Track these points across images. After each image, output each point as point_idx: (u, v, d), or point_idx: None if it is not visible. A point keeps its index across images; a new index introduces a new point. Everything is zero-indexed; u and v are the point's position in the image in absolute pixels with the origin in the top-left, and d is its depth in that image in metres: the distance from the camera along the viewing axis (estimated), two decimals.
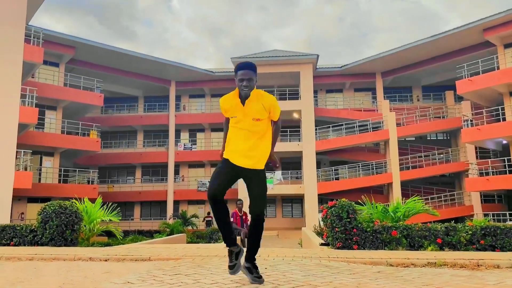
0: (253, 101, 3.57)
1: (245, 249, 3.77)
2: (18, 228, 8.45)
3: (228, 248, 3.69)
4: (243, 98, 3.57)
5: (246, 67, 3.56)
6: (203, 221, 27.66)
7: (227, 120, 3.78)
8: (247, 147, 3.58)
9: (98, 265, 5.29)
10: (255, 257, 3.74)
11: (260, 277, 3.57)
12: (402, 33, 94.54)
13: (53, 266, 5.29)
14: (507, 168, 22.37)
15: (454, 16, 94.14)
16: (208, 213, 28.87)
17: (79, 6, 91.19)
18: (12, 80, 18.07)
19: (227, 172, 3.61)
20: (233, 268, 3.65)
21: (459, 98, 28.24)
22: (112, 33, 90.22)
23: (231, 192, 29.72)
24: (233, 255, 3.66)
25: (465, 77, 23.20)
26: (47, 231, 8.09)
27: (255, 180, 3.62)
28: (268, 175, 27.15)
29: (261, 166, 3.64)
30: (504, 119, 22.44)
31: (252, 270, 3.62)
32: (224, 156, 3.66)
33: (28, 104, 20.31)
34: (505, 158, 22.81)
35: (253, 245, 3.72)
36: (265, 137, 3.67)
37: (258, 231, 3.71)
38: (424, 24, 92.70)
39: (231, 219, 10.94)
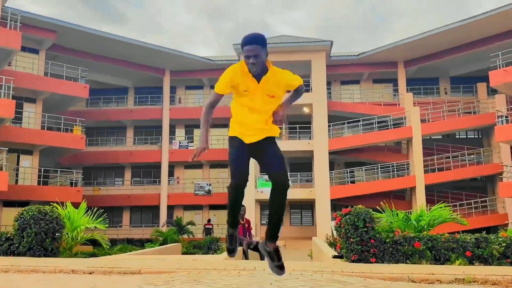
0: (269, 77, 3.61)
1: (256, 240, 3.89)
2: None
3: (230, 231, 3.96)
4: (255, 76, 3.59)
5: (252, 40, 3.52)
6: (202, 232, 27.64)
7: (218, 97, 3.73)
8: (258, 125, 3.67)
9: (81, 279, 5.31)
10: (278, 235, 3.75)
11: (283, 267, 3.60)
12: (428, 17, 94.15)
13: (31, 279, 5.32)
14: None
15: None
16: (209, 220, 28.91)
17: None
18: None
19: (243, 153, 3.68)
20: (233, 252, 3.93)
21: (492, 91, 28.06)
22: (98, 16, 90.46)
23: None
24: (234, 239, 3.92)
25: (499, 67, 23.04)
26: (25, 240, 8.14)
27: (270, 146, 3.71)
28: None
29: (275, 133, 3.75)
30: None
31: (274, 256, 3.63)
32: (233, 134, 3.71)
33: (3, 95, 20.43)
34: None
35: (275, 220, 3.68)
36: (271, 108, 3.73)
37: (281, 201, 3.65)
38: (453, 6, 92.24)
39: None
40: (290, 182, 3.70)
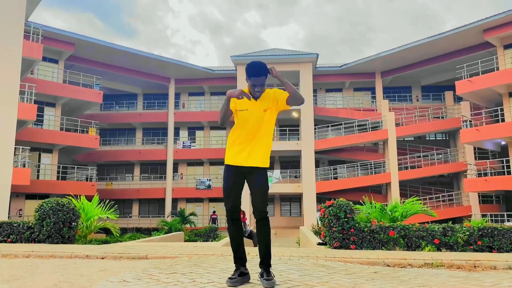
0: (267, 94, 3.71)
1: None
2: (15, 225, 8.43)
3: (236, 265, 3.68)
4: (256, 98, 3.68)
5: (258, 73, 3.55)
6: (209, 221, 27.53)
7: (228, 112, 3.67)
8: (251, 145, 3.62)
9: (94, 263, 5.28)
10: (270, 262, 3.62)
11: (271, 283, 3.44)
12: (402, 33, 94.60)
13: (49, 263, 5.28)
14: (505, 169, 22.39)
15: (452, 17, 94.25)
16: (214, 211, 28.80)
17: (79, 3, 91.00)
18: (11, 76, 18.04)
19: (235, 181, 3.65)
20: (232, 281, 3.52)
21: (458, 99, 28.27)
22: (112, 30, 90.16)
23: None
24: (238, 271, 3.62)
25: (464, 78, 23.21)
26: (44, 228, 8.07)
27: (258, 177, 3.65)
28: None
29: (265, 164, 3.68)
30: (503, 120, 22.45)
31: (264, 274, 3.52)
32: (226, 162, 3.68)
33: (27, 100, 20.27)
34: (504, 159, 22.83)
35: (267, 248, 3.64)
36: (268, 131, 3.70)
37: (267, 233, 3.69)
38: (424, 24, 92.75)
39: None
40: (267, 212, 3.71)
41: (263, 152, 3.66)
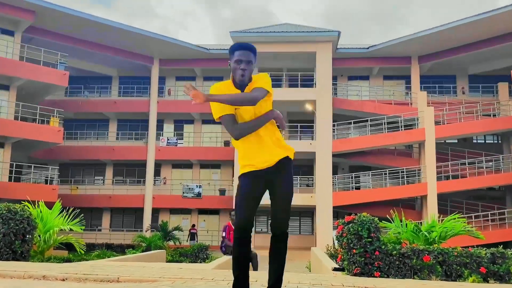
0: (252, 85, 3.56)
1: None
2: None
3: None
4: (241, 86, 3.55)
5: (244, 47, 3.55)
6: (187, 238, 27.70)
7: (228, 116, 3.58)
8: (265, 143, 3.60)
9: (53, 286, 5.29)
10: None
11: None
12: (446, 8, 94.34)
13: None
14: None
15: None
16: (193, 225, 28.89)
17: None
18: None
19: (255, 188, 3.59)
20: None
21: None
22: None
23: (224, 200, 29.81)
24: None
25: None
26: None
27: (286, 176, 3.61)
28: None
29: (290, 151, 3.66)
30: None
31: None
32: (241, 171, 3.64)
33: None
34: None
35: (280, 272, 3.68)
36: (272, 124, 3.66)
37: (283, 252, 3.69)
38: None
39: (223, 234, 10.93)
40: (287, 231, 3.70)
41: (281, 142, 3.64)
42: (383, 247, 7.34)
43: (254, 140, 3.59)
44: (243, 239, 3.53)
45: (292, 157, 3.66)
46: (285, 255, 3.70)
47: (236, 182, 3.55)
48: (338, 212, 27.86)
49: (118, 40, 29.79)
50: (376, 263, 7.23)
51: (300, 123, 29.94)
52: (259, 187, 3.59)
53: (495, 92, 30.90)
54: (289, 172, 3.61)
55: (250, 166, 3.59)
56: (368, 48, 30.34)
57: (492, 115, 29.61)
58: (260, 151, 3.59)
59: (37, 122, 25.99)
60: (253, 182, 3.58)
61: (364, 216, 7.53)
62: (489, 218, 27.11)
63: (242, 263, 3.57)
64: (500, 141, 31.24)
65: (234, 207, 3.64)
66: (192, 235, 27.53)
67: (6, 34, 25.93)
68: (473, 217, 26.31)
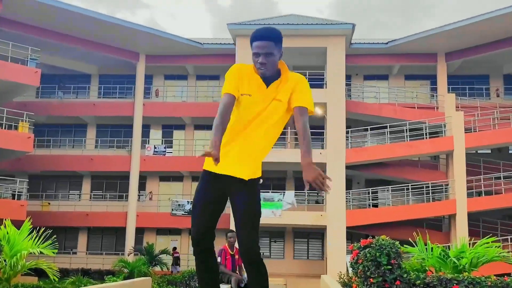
0: (281, 84, 3.58)
1: None
2: None
3: None
4: (266, 79, 3.56)
5: (264, 35, 3.52)
6: (172, 263, 27.61)
7: (229, 98, 3.49)
8: (245, 144, 3.57)
9: None
10: None
11: None
12: None
13: None
14: None
15: None
16: (174, 248, 28.78)
17: None
18: None
19: (212, 194, 3.62)
20: None
21: None
22: None
23: (220, 219, 29.67)
24: None
25: None
26: None
27: (245, 192, 3.61)
28: (275, 196, 27.17)
29: (256, 173, 3.67)
30: None
31: None
32: (205, 166, 3.65)
33: None
34: None
35: None
36: (274, 129, 3.63)
37: (261, 281, 3.62)
38: None
39: (219, 259, 10.89)
40: (260, 253, 3.62)
41: (258, 156, 3.64)
42: (405, 275, 7.33)
43: (236, 134, 3.59)
44: (204, 251, 3.62)
45: (258, 175, 3.73)
46: (266, 286, 3.63)
47: None
48: (353, 233, 27.79)
49: (99, 33, 29.86)
50: None
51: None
52: (218, 193, 3.68)
53: None
54: (251, 190, 3.67)
55: (211, 165, 3.54)
56: (387, 43, 30.39)
57: None
58: (232, 152, 3.58)
59: (3, 127, 25.99)
60: (211, 185, 3.66)
61: (383, 240, 7.52)
62: None
63: (208, 281, 3.66)
64: None
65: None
66: (175, 259, 27.45)
67: None
68: (509, 240, 26.24)
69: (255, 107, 3.54)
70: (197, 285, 17.25)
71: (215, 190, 3.62)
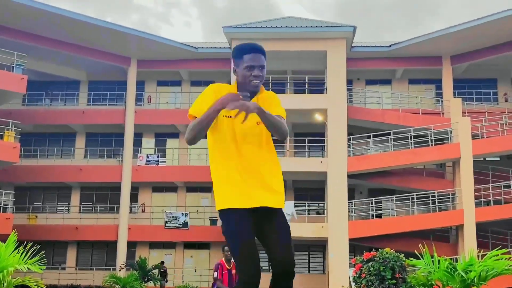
0: (263, 98, 3.61)
1: None
2: None
3: None
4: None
5: (257, 49, 3.54)
6: (158, 275, 27.49)
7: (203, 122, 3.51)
8: (259, 174, 3.55)
9: None
10: None
11: None
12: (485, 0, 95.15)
13: None
14: None
15: None
16: (162, 262, 28.62)
17: None
18: None
19: (250, 230, 3.50)
20: None
21: None
22: None
23: (216, 231, 29.63)
24: None
25: None
26: None
27: (279, 219, 3.60)
28: None
29: (283, 200, 3.65)
30: None
31: None
32: (229, 205, 3.50)
33: None
34: None
35: None
36: (272, 148, 3.67)
37: None
38: None
39: (215, 274, 10.89)
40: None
41: (278, 179, 3.63)
42: None
43: (244, 167, 3.58)
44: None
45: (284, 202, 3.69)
46: None
47: None
48: (356, 245, 27.75)
49: (88, 38, 29.89)
50: None
51: (309, 137, 29.97)
52: (251, 227, 3.59)
53: None
54: (283, 215, 3.66)
55: (240, 202, 3.53)
56: (390, 46, 30.49)
57: None
58: (253, 185, 3.57)
59: None
60: (247, 220, 3.52)
61: (387, 253, 7.54)
62: None
63: None
64: None
65: (234, 257, 3.50)
66: (162, 274, 27.38)
67: None
68: None
69: (238, 127, 3.54)
70: None
71: (250, 224, 3.51)
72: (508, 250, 11.15)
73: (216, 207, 3.56)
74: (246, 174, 3.53)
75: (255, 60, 3.49)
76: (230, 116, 3.49)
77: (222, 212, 3.49)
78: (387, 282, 7.20)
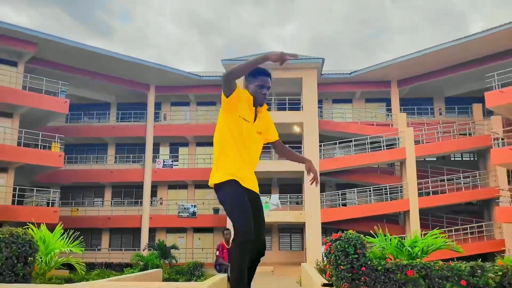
0: (262, 113, 3.79)
1: None
2: None
3: None
4: (256, 105, 3.74)
5: (268, 74, 3.78)
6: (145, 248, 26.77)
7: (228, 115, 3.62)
8: (251, 167, 3.66)
9: None
10: None
11: None
12: (422, 35, 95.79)
13: None
14: None
15: (480, 17, 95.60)
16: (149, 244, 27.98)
17: None
18: None
19: (247, 198, 3.54)
20: None
21: (488, 112, 28.45)
22: (83, 28, 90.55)
23: (218, 219, 29.60)
24: None
25: (495, 88, 23.39)
26: None
27: (261, 205, 3.71)
28: (263, 199, 27.08)
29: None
30: None
31: None
32: (232, 177, 3.54)
33: None
34: None
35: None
36: (259, 152, 3.79)
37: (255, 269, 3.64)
38: (448, 25, 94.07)
39: (217, 253, 10.85)
40: None
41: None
42: (369, 262, 7.32)
43: (247, 157, 3.62)
44: (250, 238, 3.40)
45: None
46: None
47: None
48: (327, 228, 27.77)
49: (116, 69, 29.82)
50: (362, 278, 7.19)
51: (289, 143, 29.59)
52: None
53: (470, 113, 31.18)
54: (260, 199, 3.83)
55: (243, 181, 3.57)
56: (350, 73, 30.61)
57: (467, 134, 29.83)
58: (250, 173, 3.61)
59: (39, 147, 25.81)
60: (245, 193, 3.55)
61: (350, 234, 7.52)
62: (468, 231, 27.15)
63: (244, 270, 3.46)
64: (476, 158, 31.41)
65: (232, 215, 3.47)
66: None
67: (10, 65, 25.88)
68: (453, 231, 26.35)
69: (247, 131, 3.62)
70: (199, 275, 17.13)
71: (246, 195, 3.56)
72: (444, 230, 11.18)
73: (218, 179, 3.57)
74: (247, 162, 3.62)
75: (267, 82, 3.76)
76: (247, 120, 3.64)
77: (228, 183, 3.53)
78: (350, 257, 7.19)
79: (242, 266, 3.41)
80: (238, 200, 3.46)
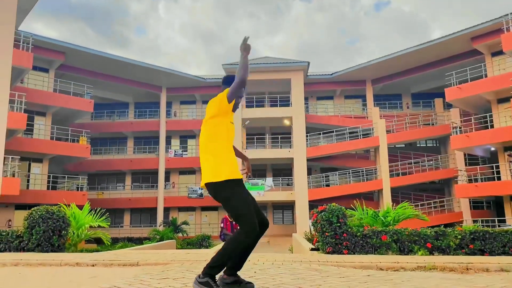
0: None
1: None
2: (4, 234, 8.28)
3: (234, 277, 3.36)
4: (234, 110, 3.70)
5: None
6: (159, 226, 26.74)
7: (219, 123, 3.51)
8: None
9: (84, 270, 5.20)
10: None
11: (250, 282, 3.41)
12: (391, 42, 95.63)
13: (38, 271, 5.19)
14: (495, 175, 22.58)
15: (439, 25, 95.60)
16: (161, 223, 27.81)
17: (71, 12, 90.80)
18: (1, 85, 17.88)
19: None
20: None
21: (448, 106, 28.52)
22: (104, 40, 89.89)
23: None
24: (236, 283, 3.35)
25: (453, 85, 23.46)
26: (34, 237, 7.94)
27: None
28: (259, 181, 27.13)
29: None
30: (492, 126, 22.69)
31: (240, 280, 3.37)
32: (238, 176, 3.41)
33: (16, 109, 20.11)
34: (493, 164, 23.03)
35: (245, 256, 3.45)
36: None
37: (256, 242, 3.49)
38: (413, 32, 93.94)
39: (222, 225, 10.87)
40: None
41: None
42: (349, 230, 7.35)
43: (231, 148, 3.59)
44: (257, 232, 3.32)
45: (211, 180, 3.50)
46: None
47: None
48: (313, 205, 27.71)
49: (133, 73, 29.64)
50: (344, 242, 7.23)
51: (280, 135, 29.96)
52: None
53: (432, 106, 31.20)
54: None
55: (239, 174, 3.44)
56: (331, 74, 30.54)
57: (431, 124, 29.87)
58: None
59: (68, 141, 25.73)
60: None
61: (333, 206, 7.55)
62: (432, 205, 27.30)
63: (252, 245, 3.40)
64: (438, 144, 31.52)
65: (242, 209, 3.28)
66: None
67: (42, 71, 25.70)
68: (419, 205, 26.47)
69: (232, 131, 3.59)
70: (207, 245, 17.13)
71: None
72: (411, 204, 11.22)
73: (223, 177, 3.37)
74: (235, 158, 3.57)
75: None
76: (232, 123, 3.62)
77: (237, 181, 3.38)
78: (334, 225, 7.21)
79: (235, 251, 3.24)
80: (249, 198, 3.37)
